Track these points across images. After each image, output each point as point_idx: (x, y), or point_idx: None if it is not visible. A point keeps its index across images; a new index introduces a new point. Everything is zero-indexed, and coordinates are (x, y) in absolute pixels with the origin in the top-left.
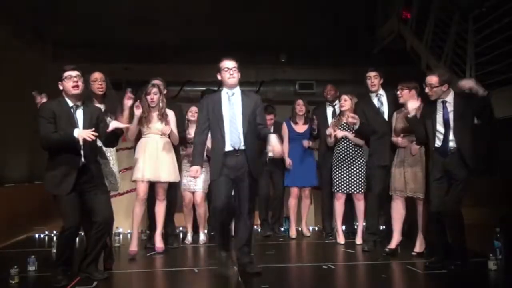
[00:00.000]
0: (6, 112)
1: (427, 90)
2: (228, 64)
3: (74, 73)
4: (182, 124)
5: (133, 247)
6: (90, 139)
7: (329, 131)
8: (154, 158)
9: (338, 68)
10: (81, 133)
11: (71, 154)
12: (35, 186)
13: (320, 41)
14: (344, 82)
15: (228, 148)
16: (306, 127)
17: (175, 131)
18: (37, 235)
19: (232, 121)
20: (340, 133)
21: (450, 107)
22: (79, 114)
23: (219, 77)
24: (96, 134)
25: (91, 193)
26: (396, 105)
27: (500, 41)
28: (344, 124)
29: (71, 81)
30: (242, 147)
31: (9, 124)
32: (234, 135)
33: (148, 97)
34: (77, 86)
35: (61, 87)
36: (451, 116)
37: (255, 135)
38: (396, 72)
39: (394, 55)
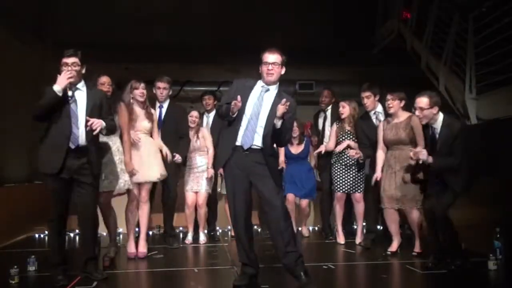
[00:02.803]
0: (6, 112)
1: (417, 113)
2: (269, 58)
3: (70, 60)
4: (186, 125)
5: (131, 249)
6: (71, 77)
7: (339, 148)
8: (141, 159)
9: (338, 68)
10: (60, 79)
11: (60, 132)
12: (35, 186)
13: (320, 41)
14: (344, 82)
15: (238, 143)
16: (302, 146)
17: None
18: (37, 235)
19: (253, 117)
20: (340, 147)
21: (437, 133)
22: (80, 96)
23: (260, 69)
24: (71, 76)
25: (79, 185)
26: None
27: (500, 41)
28: (348, 132)
29: (65, 69)
30: (256, 146)
31: (9, 124)
32: (248, 133)
33: (137, 92)
34: (70, 77)
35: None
36: (437, 142)
37: (272, 140)
38: (396, 72)
39: (394, 55)
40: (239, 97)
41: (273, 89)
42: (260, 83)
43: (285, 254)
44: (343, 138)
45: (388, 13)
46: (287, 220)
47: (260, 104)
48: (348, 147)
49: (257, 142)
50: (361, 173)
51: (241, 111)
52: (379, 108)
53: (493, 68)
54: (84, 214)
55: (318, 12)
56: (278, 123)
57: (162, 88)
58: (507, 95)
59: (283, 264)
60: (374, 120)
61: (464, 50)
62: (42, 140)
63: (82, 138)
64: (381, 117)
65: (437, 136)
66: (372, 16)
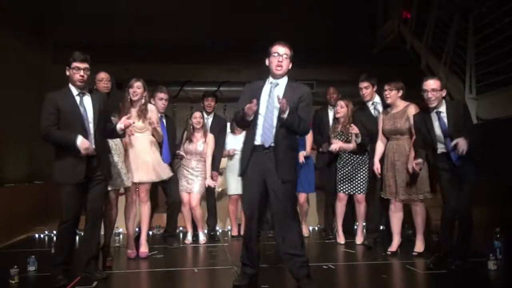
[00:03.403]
0: (6, 112)
1: (430, 95)
2: (279, 50)
3: (83, 65)
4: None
5: (132, 249)
6: (89, 153)
7: (333, 147)
8: (136, 158)
9: (338, 68)
10: (83, 144)
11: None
12: (35, 186)
13: (320, 41)
14: (344, 82)
15: (257, 142)
16: None
17: (159, 128)
18: (37, 235)
19: (268, 114)
20: (335, 146)
21: (444, 117)
22: (87, 101)
23: (267, 63)
24: (94, 153)
25: (92, 183)
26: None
27: (500, 41)
28: (340, 133)
29: (78, 73)
30: (273, 144)
31: (9, 124)
32: (266, 131)
33: (131, 90)
34: (82, 80)
35: (67, 73)
36: (448, 125)
37: (289, 133)
38: (396, 72)
39: (394, 55)
40: (254, 101)
41: (282, 82)
42: (269, 80)
43: (287, 255)
44: (336, 139)
45: (388, 13)
46: (293, 221)
47: (272, 99)
48: (340, 148)
49: (273, 139)
50: (364, 174)
51: (255, 111)
52: (377, 98)
53: (493, 68)
54: (95, 213)
55: (318, 12)
56: (283, 115)
57: (164, 99)
58: (507, 95)
59: (286, 265)
60: (372, 111)
61: (464, 50)
62: (59, 151)
63: (93, 142)
64: (379, 108)
65: (445, 119)
66: (372, 16)
